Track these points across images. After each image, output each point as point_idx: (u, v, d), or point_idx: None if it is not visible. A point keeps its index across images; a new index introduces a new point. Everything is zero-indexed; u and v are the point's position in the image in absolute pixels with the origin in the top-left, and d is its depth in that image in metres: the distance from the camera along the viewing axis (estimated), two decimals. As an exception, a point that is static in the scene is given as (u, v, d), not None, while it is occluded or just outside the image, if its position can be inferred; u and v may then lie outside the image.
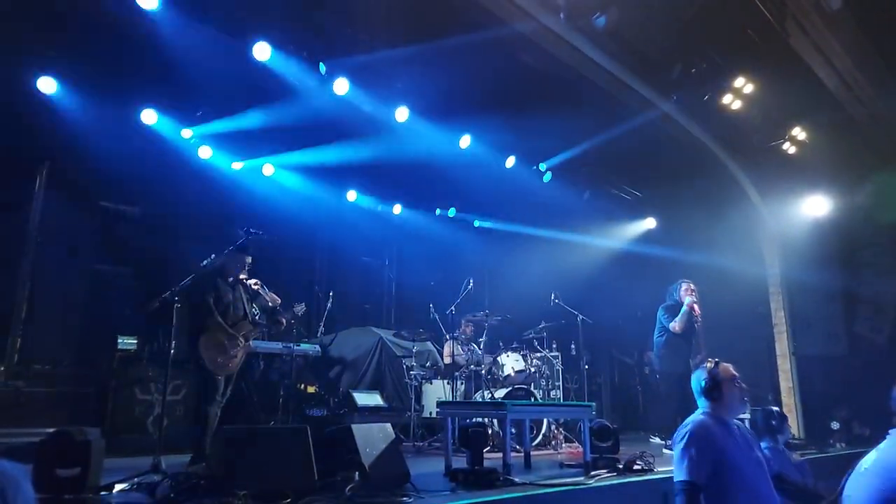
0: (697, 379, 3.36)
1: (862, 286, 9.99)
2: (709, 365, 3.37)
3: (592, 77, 7.38)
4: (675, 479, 3.01)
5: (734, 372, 3.33)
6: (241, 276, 5.80)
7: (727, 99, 7.85)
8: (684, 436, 3.06)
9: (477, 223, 11.63)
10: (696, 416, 3.23)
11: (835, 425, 8.60)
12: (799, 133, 8.85)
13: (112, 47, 6.33)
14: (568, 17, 6.19)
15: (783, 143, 8.90)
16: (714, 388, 3.25)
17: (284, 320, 6.22)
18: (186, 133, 7.83)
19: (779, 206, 10.04)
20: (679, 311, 7.39)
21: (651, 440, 8.63)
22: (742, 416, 4.05)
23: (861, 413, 8.61)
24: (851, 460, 3.82)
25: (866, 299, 9.95)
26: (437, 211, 11.17)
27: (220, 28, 6.36)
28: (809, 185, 9.79)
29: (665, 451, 7.23)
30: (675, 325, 7.36)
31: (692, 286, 7.55)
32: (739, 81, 7.73)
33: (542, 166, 9.80)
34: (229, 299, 5.68)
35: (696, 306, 7.38)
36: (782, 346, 9.96)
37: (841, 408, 8.73)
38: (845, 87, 8.36)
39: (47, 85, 6.58)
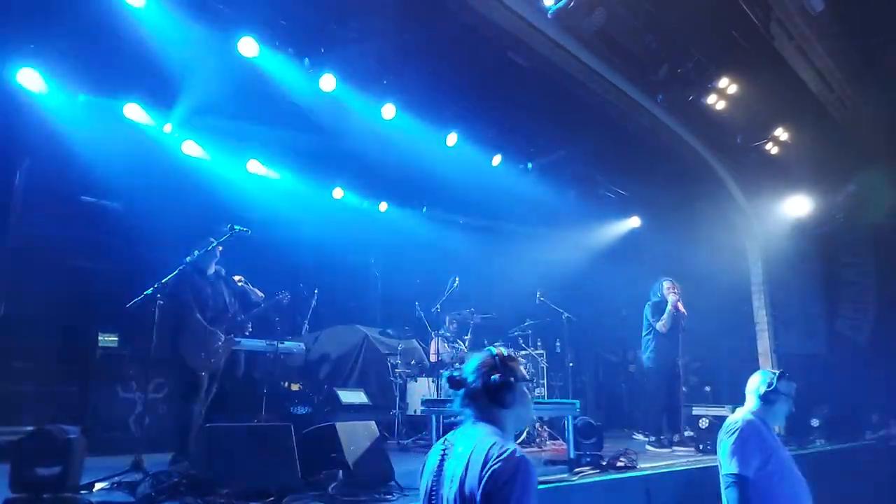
0: (761, 380, 3.56)
1: (842, 285, 10.13)
2: (779, 374, 3.58)
3: (579, 76, 7.40)
4: (723, 472, 3.29)
5: (793, 392, 3.59)
6: (218, 268, 5.74)
7: (712, 99, 7.91)
8: (734, 432, 3.33)
9: (462, 221, 11.63)
10: (745, 416, 3.46)
11: (815, 422, 8.72)
12: (782, 134, 8.95)
13: (94, 40, 6.24)
14: (555, 16, 6.19)
15: (766, 143, 8.99)
16: (773, 396, 3.50)
17: (262, 294, 6.13)
18: (169, 128, 7.75)
19: (761, 205, 10.14)
20: (664, 309, 7.46)
21: (634, 437, 8.70)
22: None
23: (841, 410, 8.74)
24: (831, 457, 3.90)
25: (847, 298, 10.09)
26: (424, 209, 11.16)
27: (205, 22, 6.30)
28: (792, 185, 9.89)
29: (649, 447, 7.29)
30: (661, 325, 7.43)
31: (674, 284, 7.62)
32: (724, 82, 7.79)
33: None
34: (207, 293, 5.63)
35: (680, 305, 7.45)
36: (764, 345, 10.07)
37: (821, 406, 8.84)
38: (827, 89, 8.47)
39: (27, 79, 6.48)
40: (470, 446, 2.12)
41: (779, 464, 3.28)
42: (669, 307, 7.44)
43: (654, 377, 7.57)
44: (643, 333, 7.75)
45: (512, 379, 2.21)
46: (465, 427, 2.23)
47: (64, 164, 6.97)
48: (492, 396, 2.19)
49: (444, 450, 2.25)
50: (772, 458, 3.26)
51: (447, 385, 2.30)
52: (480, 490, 2.00)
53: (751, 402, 3.56)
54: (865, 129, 9.23)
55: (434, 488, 2.20)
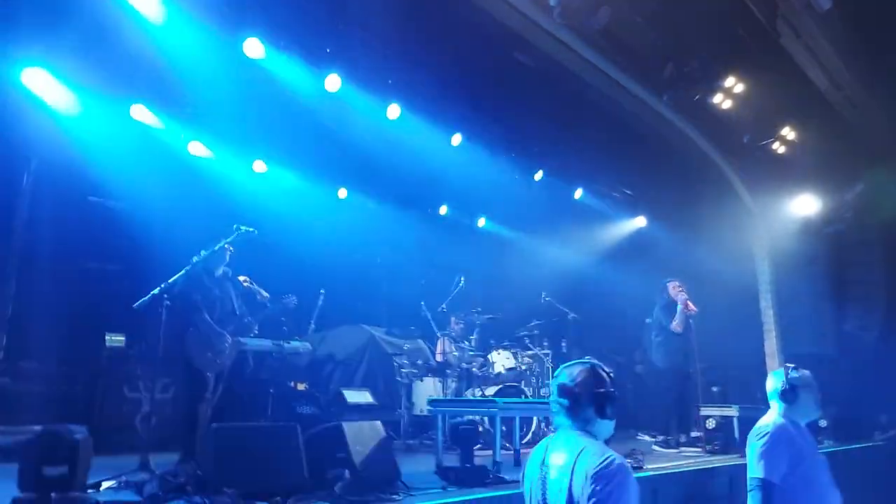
0: (775, 381, 3.47)
1: (851, 285, 10.06)
2: (788, 369, 3.48)
3: (583, 75, 7.39)
4: (749, 476, 3.23)
5: (811, 380, 3.47)
6: (225, 269, 5.76)
7: (718, 98, 7.88)
8: (763, 436, 3.25)
9: (468, 221, 11.62)
10: (773, 419, 3.37)
11: (823, 423, 8.66)
12: (789, 133, 8.91)
13: (102, 41, 6.26)
14: (561, 15, 6.18)
15: (773, 142, 8.95)
16: (790, 392, 3.39)
17: (267, 294, 6.14)
18: (177, 129, 7.76)
19: (768, 205, 10.09)
20: (674, 309, 7.46)
21: (639, 437, 8.67)
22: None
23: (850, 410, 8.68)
24: (840, 458, 3.85)
25: (855, 298, 10.02)
26: (429, 209, 11.15)
27: (210, 23, 6.31)
28: (799, 184, 9.85)
29: (655, 448, 7.26)
30: (676, 324, 7.42)
31: (678, 284, 7.61)
32: (730, 81, 7.76)
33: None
34: (216, 295, 5.64)
35: (689, 303, 7.45)
36: (771, 345, 10.01)
37: (830, 406, 8.79)
38: (835, 87, 8.42)
39: (34, 79, 6.49)
40: (573, 455, 2.29)
41: (808, 470, 3.22)
42: (680, 306, 7.44)
43: (667, 377, 7.55)
44: (654, 336, 7.74)
45: (610, 391, 2.40)
46: (563, 435, 2.41)
47: (71, 165, 6.99)
48: (597, 408, 2.39)
49: (544, 457, 2.41)
50: (801, 465, 3.20)
51: (557, 394, 2.46)
52: (587, 498, 2.17)
53: (774, 405, 3.47)
54: (874, 128, 9.18)
55: (541, 495, 2.37)
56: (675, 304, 7.55)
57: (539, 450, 2.47)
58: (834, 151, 9.28)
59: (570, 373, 2.47)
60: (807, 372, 3.48)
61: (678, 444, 7.21)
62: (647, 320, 10.31)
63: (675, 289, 7.63)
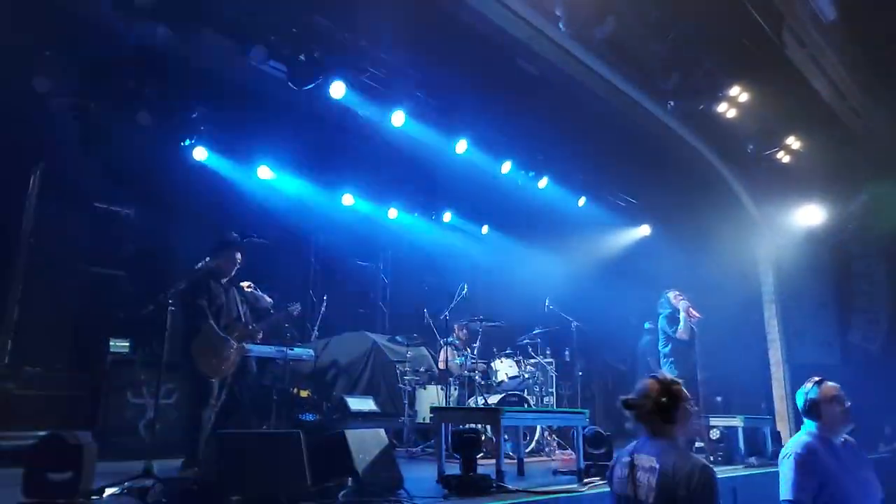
0: (799, 397, 3.41)
1: (855, 295, 10.04)
2: (808, 385, 3.40)
3: (588, 84, 7.41)
4: (781, 498, 3.15)
5: (835, 391, 3.37)
6: (233, 276, 5.78)
7: (722, 107, 7.89)
8: (789, 456, 3.19)
9: (471, 228, 11.62)
10: (802, 437, 3.30)
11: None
12: (793, 142, 8.91)
13: (108, 46, 6.30)
14: (567, 25, 6.21)
15: (778, 152, 8.95)
16: (812, 409, 3.32)
17: (270, 299, 6.16)
18: (181, 135, 7.79)
19: (773, 214, 10.08)
20: (678, 318, 7.46)
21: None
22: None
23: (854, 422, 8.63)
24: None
25: (859, 308, 9.99)
26: (433, 216, 11.16)
27: (217, 31, 6.34)
28: (803, 194, 9.84)
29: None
30: (681, 332, 7.45)
31: (679, 293, 7.63)
32: (735, 90, 7.77)
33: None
34: (222, 301, 5.65)
35: (692, 310, 7.46)
36: (775, 355, 9.99)
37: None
38: (840, 98, 8.43)
39: (41, 85, 6.51)
40: (656, 458, 2.59)
41: (839, 489, 3.11)
42: (683, 314, 7.44)
43: (685, 387, 7.50)
44: (660, 347, 7.74)
45: (677, 399, 2.69)
46: (644, 441, 2.71)
47: (77, 171, 7.03)
48: (663, 415, 2.66)
49: (630, 461, 2.69)
50: (830, 483, 3.10)
51: (623, 408, 2.77)
52: (675, 495, 2.46)
53: (805, 423, 3.38)
54: (878, 138, 9.18)
55: (629, 495, 2.64)
56: (677, 312, 7.55)
57: (623, 454, 2.77)
58: (838, 161, 9.27)
59: (639, 387, 2.79)
60: (831, 384, 3.37)
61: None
62: (647, 325, 10.32)
63: (676, 298, 7.65)
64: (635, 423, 2.74)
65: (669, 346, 7.60)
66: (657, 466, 2.56)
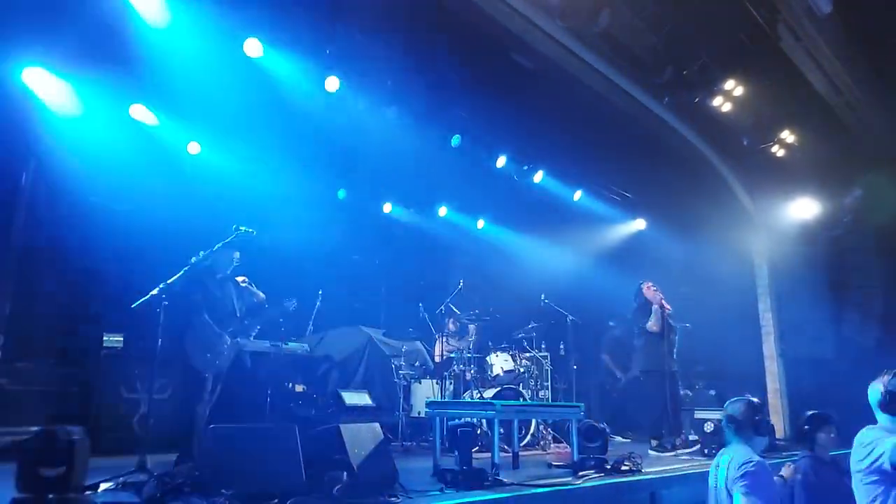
0: (873, 391, 3.40)
1: (850, 289, 10.07)
2: (885, 378, 3.38)
3: (583, 78, 7.39)
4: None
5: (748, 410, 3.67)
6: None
7: (718, 101, 7.88)
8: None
9: (466, 222, 11.62)
10: (882, 434, 3.29)
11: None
12: (788, 136, 8.90)
13: (102, 40, 6.25)
14: (561, 18, 6.19)
15: (772, 145, 8.95)
16: (892, 402, 3.30)
17: (263, 295, 6.13)
18: (176, 129, 7.75)
19: (767, 208, 10.10)
20: (649, 310, 7.46)
21: (622, 440, 8.65)
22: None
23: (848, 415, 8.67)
24: (837, 461, 3.87)
25: (854, 302, 10.03)
26: (428, 210, 11.15)
27: (213, 23, 6.31)
28: (798, 187, 9.85)
29: (651, 451, 7.25)
30: (652, 324, 7.46)
31: (652, 284, 7.67)
32: (730, 84, 7.77)
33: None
34: (217, 296, 5.64)
35: (664, 302, 7.47)
36: (770, 348, 10.02)
37: (828, 410, 8.77)
38: (835, 91, 8.43)
39: (34, 79, 6.47)
40: (730, 457, 3.58)
41: None
42: (655, 305, 7.45)
43: (652, 378, 7.51)
44: (634, 340, 7.78)
45: (760, 419, 3.68)
46: (731, 446, 3.68)
47: (69, 166, 6.98)
48: (755, 429, 3.65)
49: (719, 461, 3.67)
50: None
51: (726, 420, 3.73)
52: (734, 483, 3.42)
53: (880, 418, 3.34)
54: (873, 132, 9.19)
55: (714, 483, 3.66)
56: (649, 305, 7.56)
57: (718, 455, 3.73)
58: (833, 155, 9.29)
59: (735, 406, 3.71)
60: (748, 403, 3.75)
61: (673, 447, 7.20)
62: (611, 322, 10.37)
63: (649, 289, 7.65)
64: (730, 432, 3.75)
65: (643, 339, 7.61)
66: (728, 463, 3.61)
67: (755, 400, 3.73)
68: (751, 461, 3.40)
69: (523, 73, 7.43)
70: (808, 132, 8.97)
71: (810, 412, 4.28)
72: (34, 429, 3.51)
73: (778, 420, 9.42)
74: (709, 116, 8.16)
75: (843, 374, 9.11)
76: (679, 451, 7.13)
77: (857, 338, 9.77)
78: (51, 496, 3.22)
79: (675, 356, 7.58)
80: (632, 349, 7.92)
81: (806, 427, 4.48)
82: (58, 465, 3.27)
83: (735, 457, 3.49)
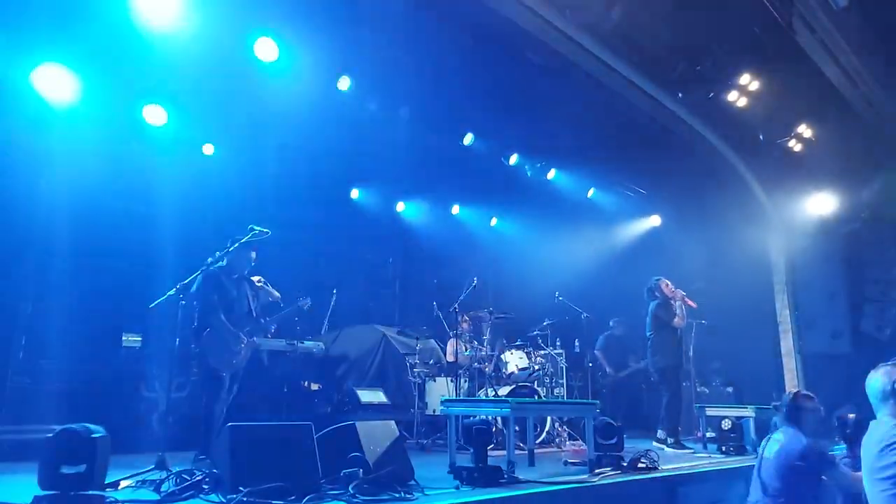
0: (884, 380, 3.28)
1: (866, 284, 9.95)
2: (889, 368, 3.28)
3: (598, 75, 7.36)
4: None
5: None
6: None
7: (733, 96, 7.83)
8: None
9: (480, 220, 11.62)
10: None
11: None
12: (805, 130, 8.82)
13: (117, 39, 6.31)
14: (574, 14, 6.17)
15: (789, 140, 8.87)
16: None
17: (278, 294, 6.18)
18: (191, 130, 7.82)
19: (784, 203, 10.01)
20: (670, 307, 7.45)
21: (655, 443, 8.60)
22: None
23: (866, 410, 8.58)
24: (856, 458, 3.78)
25: (871, 297, 9.91)
26: (441, 208, 11.16)
27: (223, 23, 6.35)
28: (815, 182, 9.75)
29: (666, 448, 7.20)
30: (678, 320, 7.46)
31: (669, 282, 7.67)
32: (745, 79, 7.70)
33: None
34: (233, 296, 5.68)
35: (687, 299, 7.55)
36: (787, 344, 9.94)
37: (845, 406, 8.69)
38: (851, 85, 8.32)
39: (48, 78, 6.51)
40: (782, 439, 4.11)
41: None
42: (679, 301, 7.46)
43: (665, 373, 7.49)
44: (648, 333, 7.69)
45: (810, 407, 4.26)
46: (782, 429, 4.19)
47: (88, 166, 7.06)
48: (801, 417, 4.21)
49: (770, 438, 4.20)
50: None
51: (784, 412, 4.27)
52: (786, 462, 3.93)
53: (887, 408, 3.22)
54: (890, 125, 9.06)
55: (763, 454, 4.14)
56: (670, 300, 7.52)
57: (770, 433, 4.26)
58: (850, 149, 9.17)
59: (790, 398, 4.31)
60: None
61: (683, 444, 7.20)
62: (611, 322, 10.34)
63: (667, 286, 7.61)
64: (781, 418, 4.30)
65: (661, 334, 7.54)
66: (780, 443, 4.16)
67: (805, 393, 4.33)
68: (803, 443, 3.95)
69: (536, 70, 7.42)
70: (824, 126, 8.88)
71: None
72: (56, 427, 3.57)
73: (796, 417, 9.33)
74: (723, 112, 8.11)
75: (860, 369, 9.02)
76: (693, 449, 7.12)
77: (875, 333, 9.66)
78: (72, 493, 3.27)
79: (689, 353, 7.56)
80: (647, 346, 7.85)
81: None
82: (79, 463, 3.32)
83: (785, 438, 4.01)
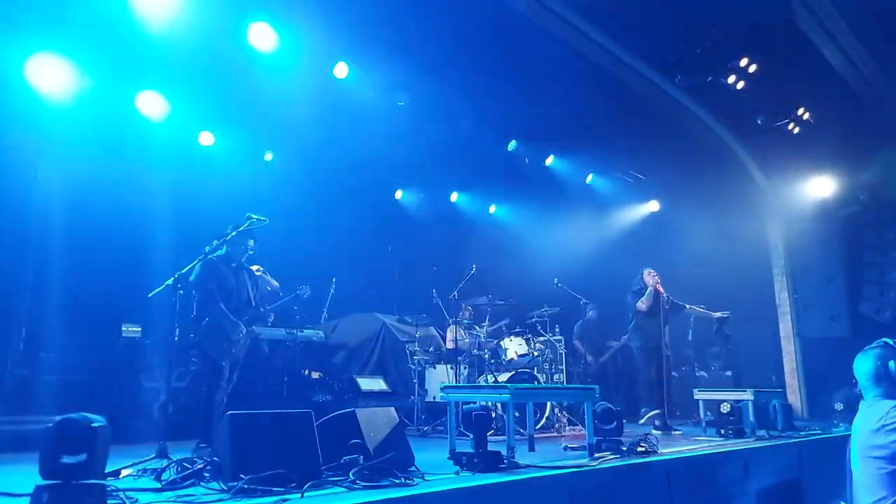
0: (874, 361, 3.30)
1: (865, 266, 9.96)
2: (882, 343, 3.32)
3: (595, 58, 7.32)
4: None
5: None
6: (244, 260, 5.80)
7: (731, 79, 7.78)
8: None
9: (479, 207, 11.60)
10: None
11: (838, 406, 8.61)
12: (804, 113, 8.78)
13: (111, 26, 6.27)
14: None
15: (787, 123, 8.83)
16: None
17: (277, 283, 6.19)
18: (187, 119, 7.78)
19: (783, 186, 9.99)
20: (643, 294, 7.80)
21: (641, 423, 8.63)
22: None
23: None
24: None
25: (870, 280, 9.92)
26: (440, 195, 11.14)
27: (220, 10, 6.30)
28: (814, 165, 9.73)
29: (654, 431, 7.20)
30: (641, 304, 7.80)
31: (652, 270, 7.94)
32: (744, 61, 7.66)
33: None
34: (232, 285, 5.67)
35: (659, 287, 7.75)
36: (786, 328, 9.96)
37: (844, 389, 8.73)
38: (851, 67, 8.28)
39: (44, 69, 6.47)
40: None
41: None
42: (650, 288, 7.72)
43: (643, 354, 7.74)
44: (629, 320, 7.95)
45: None
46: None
47: (84, 158, 7.04)
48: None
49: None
50: None
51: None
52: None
53: (880, 389, 3.25)
54: (890, 107, 9.03)
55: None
56: (645, 289, 7.82)
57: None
58: (849, 132, 9.14)
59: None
60: None
61: (669, 427, 7.30)
62: (587, 304, 10.35)
63: (649, 275, 7.90)
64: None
65: (636, 319, 7.92)
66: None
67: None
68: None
69: (533, 54, 7.37)
70: (823, 108, 8.84)
71: None
72: (56, 417, 3.57)
73: (795, 399, 9.39)
74: (722, 95, 8.06)
75: (859, 352, 9.05)
76: (675, 430, 7.26)
77: (874, 315, 9.68)
78: (73, 482, 3.28)
79: (666, 338, 7.70)
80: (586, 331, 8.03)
81: None
82: (79, 453, 3.32)
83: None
